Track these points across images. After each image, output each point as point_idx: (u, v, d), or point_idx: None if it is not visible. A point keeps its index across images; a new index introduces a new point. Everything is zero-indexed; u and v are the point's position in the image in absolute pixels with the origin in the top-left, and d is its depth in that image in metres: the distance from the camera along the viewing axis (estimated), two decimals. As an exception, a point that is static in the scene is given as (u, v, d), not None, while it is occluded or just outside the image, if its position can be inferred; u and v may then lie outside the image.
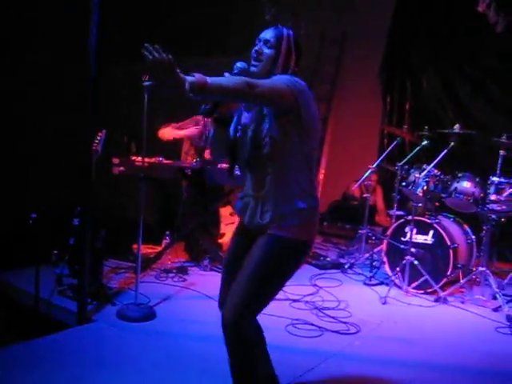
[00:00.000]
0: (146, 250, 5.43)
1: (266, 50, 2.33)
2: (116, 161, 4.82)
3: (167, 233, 5.22)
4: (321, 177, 7.88)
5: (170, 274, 4.88)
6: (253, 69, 2.34)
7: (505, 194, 4.62)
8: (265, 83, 2.16)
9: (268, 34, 2.35)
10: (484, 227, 4.79)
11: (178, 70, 1.91)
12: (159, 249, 5.24)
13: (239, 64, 2.33)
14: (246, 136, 2.37)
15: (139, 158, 4.59)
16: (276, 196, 2.31)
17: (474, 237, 5.16)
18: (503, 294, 4.60)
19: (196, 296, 4.41)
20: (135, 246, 4.14)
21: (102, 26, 3.48)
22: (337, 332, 3.78)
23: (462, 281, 4.75)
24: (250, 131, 2.35)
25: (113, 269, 4.89)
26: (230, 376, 2.44)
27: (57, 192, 5.21)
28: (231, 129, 2.47)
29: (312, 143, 2.36)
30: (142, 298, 4.01)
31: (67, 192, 4.68)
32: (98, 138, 4.03)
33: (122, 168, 4.76)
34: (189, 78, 1.93)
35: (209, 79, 1.97)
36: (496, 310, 4.43)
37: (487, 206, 4.64)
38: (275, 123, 2.25)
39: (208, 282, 4.80)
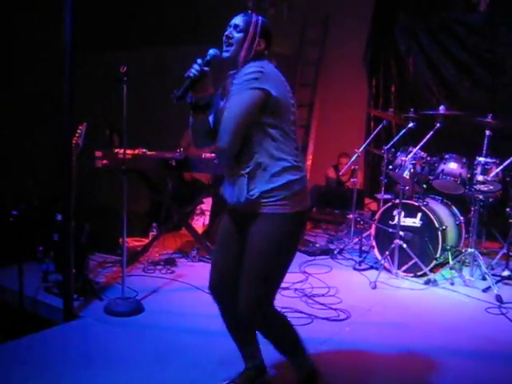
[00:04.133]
0: (133, 242, 5.40)
1: (236, 34, 2.36)
2: (99, 154, 4.74)
3: (154, 225, 5.17)
4: (308, 163, 7.85)
5: (158, 267, 4.83)
6: (225, 54, 2.38)
7: (491, 174, 4.61)
8: (228, 121, 2.26)
9: (238, 20, 2.39)
10: (472, 208, 4.79)
11: None
12: (146, 241, 5.19)
13: (211, 51, 2.38)
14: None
15: (122, 150, 4.52)
16: (261, 173, 2.32)
17: (462, 218, 5.15)
18: (492, 275, 4.62)
19: (184, 288, 4.38)
20: (121, 240, 4.08)
21: (76, 14, 3.39)
22: (327, 319, 3.75)
23: (451, 262, 4.74)
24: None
25: (100, 263, 4.84)
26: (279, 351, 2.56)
27: (41, 188, 5.15)
28: (211, 118, 2.48)
29: (288, 118, 2.38)
30: (129, 291, 3.97)
31: (51, 187, 4.62)
32: (79, 131, 3.97)
33: (105, 161, 4.68)
34: None
35: None
36: (485, 290, 4.43)
37: (474, 186, 4.63)
38: None
39: (196, 273, 4.76)
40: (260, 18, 2.41)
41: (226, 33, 2.38)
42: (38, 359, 3.05)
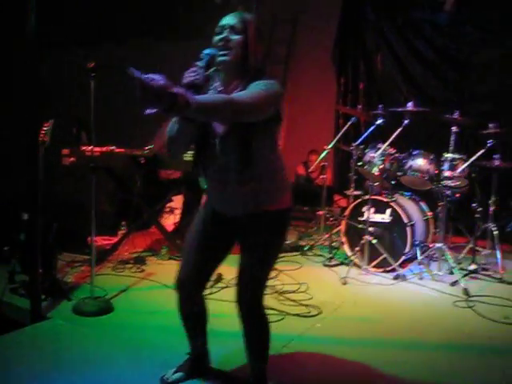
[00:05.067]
0: (102, 241, 5.33)
1: (234, 37, 2.22)
2: (66, 151, 4.67)
3: (123, 223, 5.11)
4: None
5: (128, 265, 4.78)
6: (223, 58, 2.21)
7: (458, 169, 4.69)
8: (255, 91, 2.11)
9: (232, 20, 2.24)
10: (439, 203, 4.86)
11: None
12: (115, 240, 5.13)
13: (207, 51, 2.21)
14: (225, 142, 2.27)
15: (90, 148, 4.46)
16: (265, 181, 2.34)
17: (430, 213, 5.23)
18: (460, 268, 4.69)
19: (155, 286, 4.34)
20: (90, 239, 4.02)
21: (41, 8, 3.31)
22: (298, 315, 3.76)
23: (419, 257, 4.80)
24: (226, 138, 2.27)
25: (68, 263, 4.76)
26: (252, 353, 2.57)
27: (4, 186, 5.03)
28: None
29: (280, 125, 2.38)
30: (98, 291, 3.91)
31: (15, 185, 4.51)
32: (45, 128, 3.89)
33: (72, 159, 4.62)
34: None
35: (192, 99, 1.82)
36: (453, 284, 4.50)
37: (441, 182, 4.70)
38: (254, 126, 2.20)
39: (166, 271, 4.72)
40: (251, 16, 2.28)
41: (222, 35, 2.22)
42: (5, 362, 2.97)
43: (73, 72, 5.38)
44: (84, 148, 4.63)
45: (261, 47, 2.29)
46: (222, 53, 2.21)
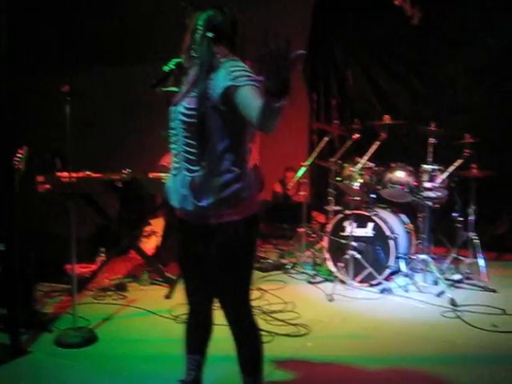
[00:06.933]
0: (80, 269, 5.16)
1: None
2: (41, 178, 4.53)
3: (101, 249, 4.98)
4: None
5: (109, 293, 4.65)
6: None
7: (438, 180, 4.72)
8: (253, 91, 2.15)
9: None
10: (420, 215, 4.87)
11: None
12: (94, 267, 4.99)
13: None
14: (179, 115, 2.27)
15: (65, 174, 4.34)
16: (215, 179, 2.22)
17: (411, 225, 5.23)
18: (444, 279, 4.69)
19: (138, 313, 4.22)
20: (69, 267, 3.89)
21: (12, 34, 3.23)
22: (287, 335, 3.69)
23: (404, 270, 4.79)
24: (183, 108, 2.26)
25: (46, 293, 4.59)
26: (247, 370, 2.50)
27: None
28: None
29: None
30: (80, 321, 3.77)
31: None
32: (20, 155, 3.78)
33: (47, 186, 4.48)
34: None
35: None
36: (439, 295, 4.50)
37: (422, 193, 4.71)
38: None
39: (149, 296, 4.62)
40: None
41: None
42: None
43: (40, 97, 5.28)
44: (59, 174, 4.50)
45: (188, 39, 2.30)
46: None
